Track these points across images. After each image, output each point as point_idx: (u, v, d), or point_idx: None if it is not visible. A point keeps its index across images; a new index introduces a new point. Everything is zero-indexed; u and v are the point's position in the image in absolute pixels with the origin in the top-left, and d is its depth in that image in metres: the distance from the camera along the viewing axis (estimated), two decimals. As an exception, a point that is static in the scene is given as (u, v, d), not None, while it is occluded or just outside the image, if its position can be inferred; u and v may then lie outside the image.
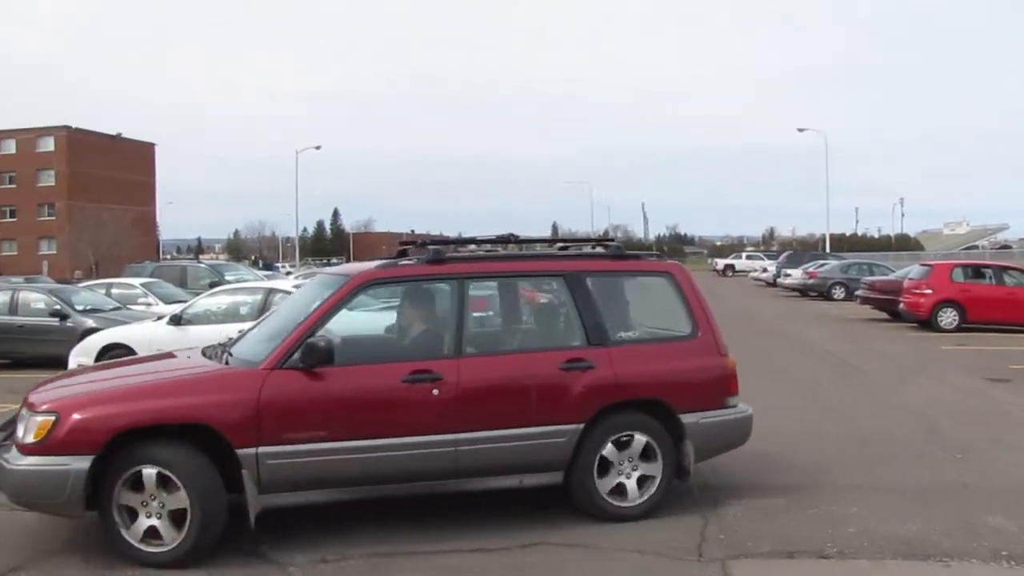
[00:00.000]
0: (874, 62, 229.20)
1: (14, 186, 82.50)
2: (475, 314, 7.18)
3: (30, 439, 5.35)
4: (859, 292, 25.59)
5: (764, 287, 45.22)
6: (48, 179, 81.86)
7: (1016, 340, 18.11)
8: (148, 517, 5.38)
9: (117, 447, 5.32)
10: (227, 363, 5.97)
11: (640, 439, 6.19)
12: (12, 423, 5.78)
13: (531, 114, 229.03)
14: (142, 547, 5.37)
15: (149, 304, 19.70)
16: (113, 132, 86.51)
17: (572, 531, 5.93)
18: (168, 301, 19.56)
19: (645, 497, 6.20)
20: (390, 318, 6.87)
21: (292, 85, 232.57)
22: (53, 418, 5.35)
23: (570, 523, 6.06)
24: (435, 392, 5.81)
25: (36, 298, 16.72)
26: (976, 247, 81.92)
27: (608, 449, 6.12)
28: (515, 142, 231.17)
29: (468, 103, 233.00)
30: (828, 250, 56.08)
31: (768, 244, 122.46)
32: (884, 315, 23.64)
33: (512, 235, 7.21)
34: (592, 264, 6.76)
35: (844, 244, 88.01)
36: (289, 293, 11.38)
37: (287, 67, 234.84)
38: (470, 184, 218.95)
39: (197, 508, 5.32)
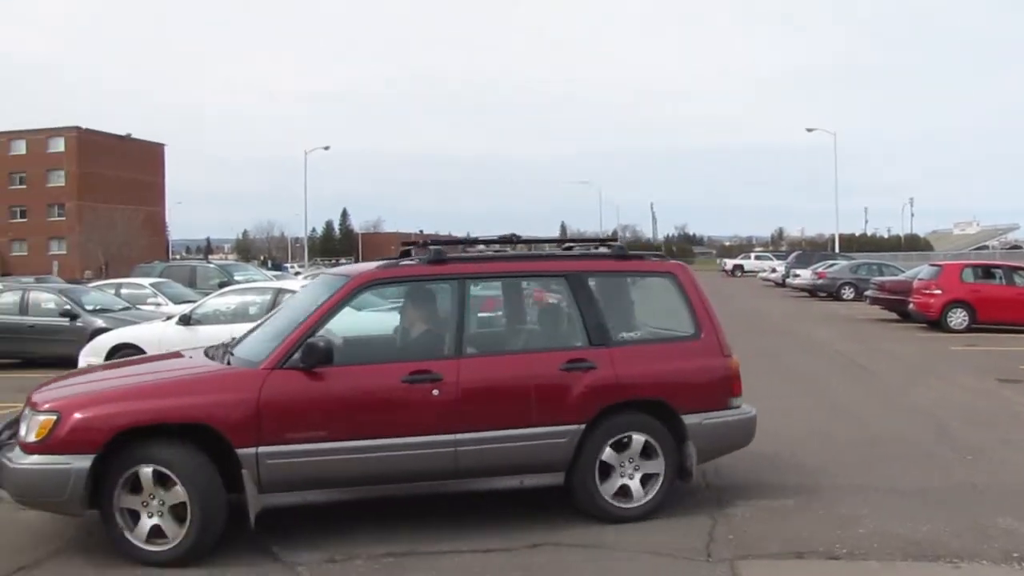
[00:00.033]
0: (878, 62, 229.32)
1: (24, 186, 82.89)
2: (482, 314, 7.19)
3: (32, 438, 5.39)
4: (868, 292, 25.52)
5: (773, 287, 45.14)
6: (58, 179, 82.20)
7: (1027, 341, 18.03)
8: (150, 517, 5.41)
9: (118, 446, 5.35)
10: (228, 363, 5.99)
11: (641, 440, 6.16)
12: (16, 422, 5.81)
13: (531, 114, 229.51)
14: (143, 546, 5.39)
15: (158, 304, 19.76)
16: (122, 132, 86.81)
17: (579, 531, 5.92)
18: (177, 301, 19.63)
19: (647, 498, 6.17)
20: (391, 318, 6.88)
21: (300, 85, 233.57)
22: (55, 417, 5.38)
23: (577, 523, 6.05)
24: (435, 392, 5.81)
25: (46, 298, 16.80)
26: (986, 247, 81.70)
27: (609, 450, 6.10)
28: (517, 142, 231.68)
29: (468, 103, 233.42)
30: (837, 250, 55.96)
31: (777, 244, 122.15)
32: (894, 315, 23.57)
33: (514, 235, 7.20)
34: (594, 264, 6.74)
35: (853, 244, 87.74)
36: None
37: (295, 67, 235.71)
38: (479, 185, 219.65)
39: (197, 507, 5.35)
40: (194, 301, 16.68)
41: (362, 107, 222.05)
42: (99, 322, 15.44)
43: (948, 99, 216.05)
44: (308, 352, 5.65)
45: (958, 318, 20.26)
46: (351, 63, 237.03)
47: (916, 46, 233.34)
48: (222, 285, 21.37)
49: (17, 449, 5.50)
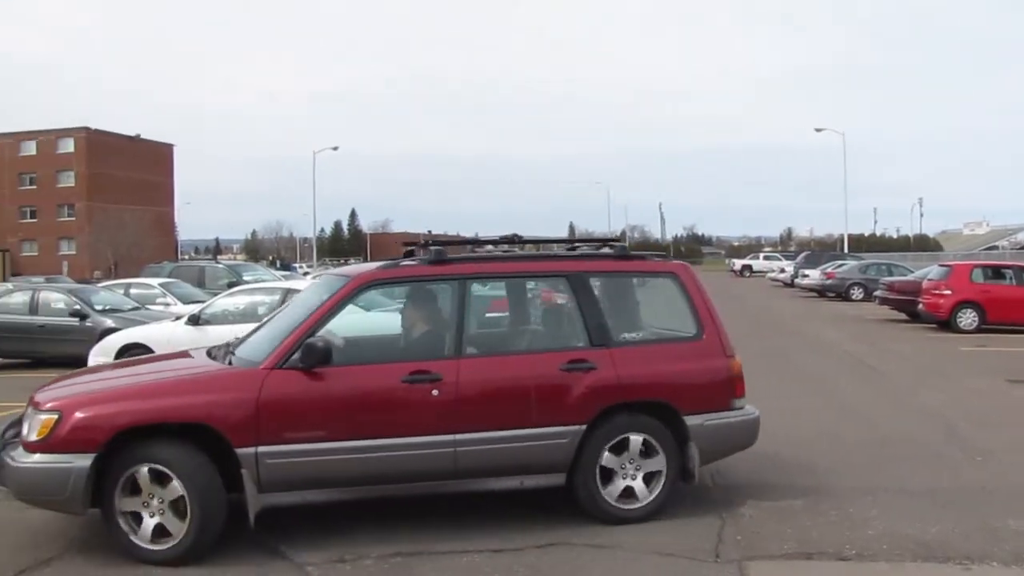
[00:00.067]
0: (881, 61, 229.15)
1: (34, 187, 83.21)
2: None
3: (34, 437, 5.44)
4: (878, 293, 25.46)
5: (782, 288, 45.07)
6: (68, 180, 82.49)
7: (1037, 341, 17.97)
8: (151, 516, 5.44)
9: (119, 446, 5.39)
10: (230, 363, 6.01)
11: (643, 441, 6.14)
12: (20, 421, 5.85)
13: (531, 113, 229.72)
14: (145, 545, 5.43)
15: (167, 304, 19.83)
16: (132, 133, 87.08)
17: (588, 532, 5.91)
18: (186, 301, 19.69)
19: (648, 499, 6.15)
20: (392, 318, 6.88)
21: (307, 85, 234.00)
22: (56, 416, 5.42)
23: (585, 524, 6.05)
24: (434, 392, 5.81)
25: (56, 298, 16.88)
26: (996, 247, 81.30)
27: (610, 451, 6.09)
28: (520, 142, 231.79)
29: (469, 103, 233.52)
30: (846, 250, 55.83)
31: (786, 244, 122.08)
32: (903, 316, 23.50)
33: (515, 235, 7.21)
34: (596, 264, 6.73)
35: (862, 244, 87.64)
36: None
37: (301, 68, 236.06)
38: (486, 185, 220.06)
39: (196, 506, 5.38)
40: (203, 301, 16.72)
41: (368, 107, 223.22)
42: (108, 322, 15.50)
43: (956, 99, 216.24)
44: (307, 352, 5.67)
45: (968, 319, 20.21)
46: (354, 63, 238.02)
47: (921, 46, 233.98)
48: (231, 285, 21.43)
49: (20, 448, 5.54)
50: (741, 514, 6.29)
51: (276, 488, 5.60)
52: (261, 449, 5.51)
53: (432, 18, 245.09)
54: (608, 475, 6.10)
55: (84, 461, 5.31)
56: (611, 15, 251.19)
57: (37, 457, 5.40)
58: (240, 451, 5.48)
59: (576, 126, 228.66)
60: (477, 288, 6.61)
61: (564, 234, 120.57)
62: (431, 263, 6.28)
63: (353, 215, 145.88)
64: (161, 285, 21.93)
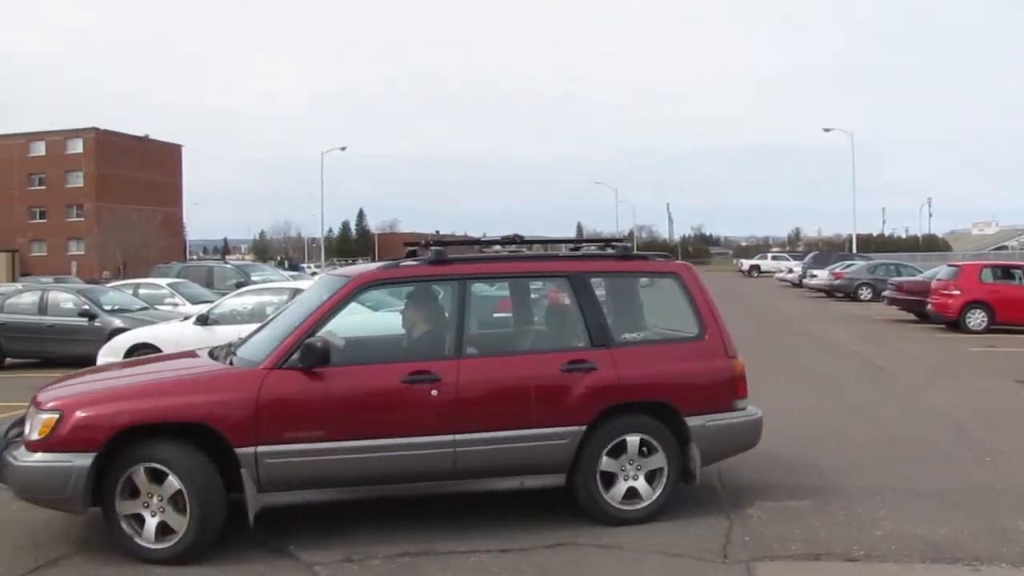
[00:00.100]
0: (888, 61, 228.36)
1: (44, 187, 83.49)
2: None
3: (35, 436, 5.48)
4: (886, 293, 25.38)
5: (790, 288, 44.99)
6: (77, 180, 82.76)
7: (1046, 342, 17.89)
8: (153, 516, 5.48)
9: (120, 445, 5.42)
10: (231, 363, 6.03)
11: (644, 441, 6.12)
12: (23, 421, 5.88)
13: (533, 113, 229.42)
14: (144, 544, 5.46)
15: (176, 304, 19.88)
16: (140, 134, 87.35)
17: (595, 532, 5.91)
18: (195, 301, 19.74)
19: (649, 501, 6.12)
20: (393, 318, 6.89)
21: (314, 86, 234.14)
22: (57, 416, 5.46)
23: (592, 524, 6.04)
24: (434, 393, 5.81)
25: (65, 298, 16.96)
26: (1005, 247, 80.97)
27: (611, 451, 6.07)
28: (528, 142, 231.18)
29: (470, 103, 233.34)
30: (855, 251, 55.68)
31: (794, 245, 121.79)
32: (911, 316, 23.44)
33: (517, 235, 7.21)
34: (597, 265, 6.71)
35: (871, 245, 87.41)
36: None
37: (309, 68, 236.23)
38: (495, 186, 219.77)
39: (196, 505, 5.40)
40: (211, 301, 16.76)
41: (373, 107, 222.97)
42: (117, 322, 15.56)
43: (964, 99, 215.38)
44: (306, 352, 5.68)
45: (977, 319, 20.14)
46: (357, 63, 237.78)
47: (924, 45, 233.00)
48: (239, 285, 21.45)
49: (22, 447, 5.58)
50: (749, 514, 6.27)
51: (275, 488, 5.61)
52: (260, 449, 5.53)
53: (433, 17, 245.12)
54: (609, 476, 6.08)
55: (84, 460, 5.34)
56: (611, 15, 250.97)
57: (38, 456, 5.44)
58: (239, 451, 5.50)
59: (579, 126, 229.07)
60: (478, 288, 6.60)
61: (572, 234, 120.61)
62: (431, 263, 6.28)
63: (361, 215, 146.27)
64: (170, 285, 22.00)
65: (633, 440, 6.09)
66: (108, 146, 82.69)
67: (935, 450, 8.24)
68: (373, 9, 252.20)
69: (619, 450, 6.09)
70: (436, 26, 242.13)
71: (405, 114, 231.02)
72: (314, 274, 37.40)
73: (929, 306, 21.36)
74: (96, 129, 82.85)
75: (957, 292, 20.47)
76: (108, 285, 23.39)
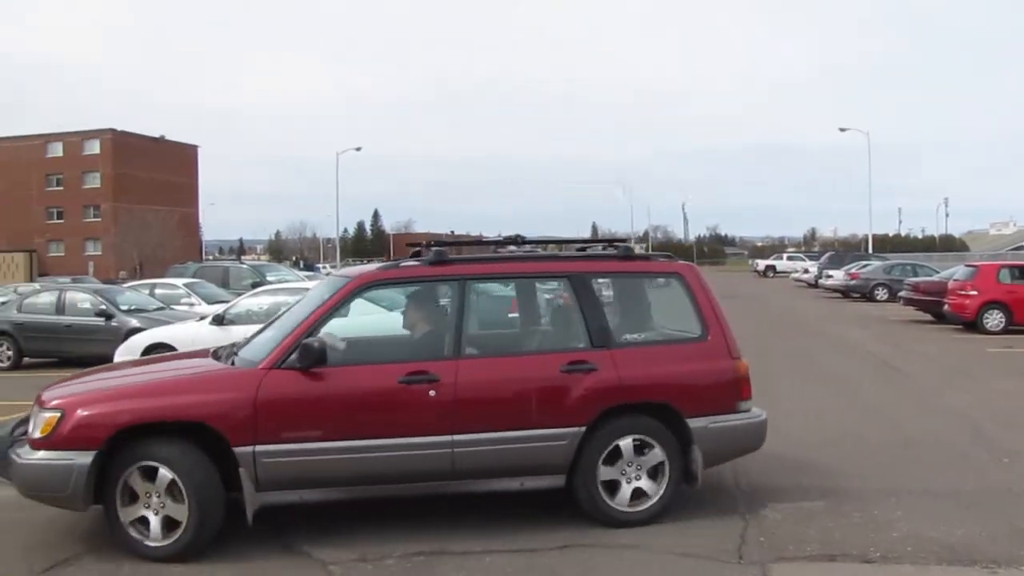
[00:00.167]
0: (909, 62, 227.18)
1: (61, 188, 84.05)
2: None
3: (38, 434, 5.56)
4: (902, 293, 25.25)
5: (805, 288, 44.80)
6: (94, 181, 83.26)
7: (1065, 342, 17.76)
8: (156, 514, 5.53)
9: (121, 444, 5.48)
10: (232, 363, 6.07)
11: (645, 443, 6.09)
12: (28, 420, 5.95)
13: (537, 113, 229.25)
14: (145, 542, 5.51)
15: (192, 304, 19.97)
16: (156, 134, 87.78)
17: (611, 533, 5.90)
18: (211, 301, 19.82)
19: (650, 502, 6.09)
20: (394, 319, 6.90)
21: (334, 86, 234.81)
22: (58, 415, 5.54)
23: (607, 524, 6.03)
24: (432, 393, 5.81)
25: (82, 298, 17.07)
26: (1023, 248, 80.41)
27: (612, 453, 6.03)
28: (555, 142, 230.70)
29: (489, 104, 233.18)
30: (871, 251, 55.41)
31: (810, 245, 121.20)
32: (928, 317, 23.30)
33: (519, 236, 7.21)
34: (598, 265, 6.69)
35: (887, 245, 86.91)
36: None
37: (328, 68, 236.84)
38: (510, 186, 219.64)
39: (195, 504, 5.45)
40: (227, 301, 16.83)
41: (390, 109, 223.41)
42: (134, 322, 15.65)
43: (984, 98, 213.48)
44: (304, 353, 5.71)
45: (994, 319, 20.00)
46: (380, 63, 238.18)
47: (943, 44, 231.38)
48: (255, 285, 21.54)
49: (26, 445, 5.66)
50: (764, 515, 6.25)
51: (274, 487, 5.64)
52: (259, 448, 5.57)
53: (441, 18, 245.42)
54: (609, 474, 6.05)
55: (85, 458, 5.41)
56: (611, 15, 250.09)
57: (41, 454, 5.51)
58: (238, 450, 5.54)
59: (591, 126, 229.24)
60: (479, 289, 6.59)
61: (587, 234, 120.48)
62: (431, 264, 6.29)
63: (376, 216, 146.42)
64: (186, 285, 22.10)
65: (637, 441, 6.07)
66: (124, 147, 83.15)
67: (952, 451, 8.19)
68: (392, 9, 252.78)
69: (622, 450, 6.06)
70: (439, 27, 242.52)
71: (420, 115, 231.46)
72: (328, 274, 37.51)
73: (946, 307, 21.23)
74: (113, 130, 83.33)
75: (974, 292, 20.34)
76: (125, 285, 23.52)
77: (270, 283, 21.64)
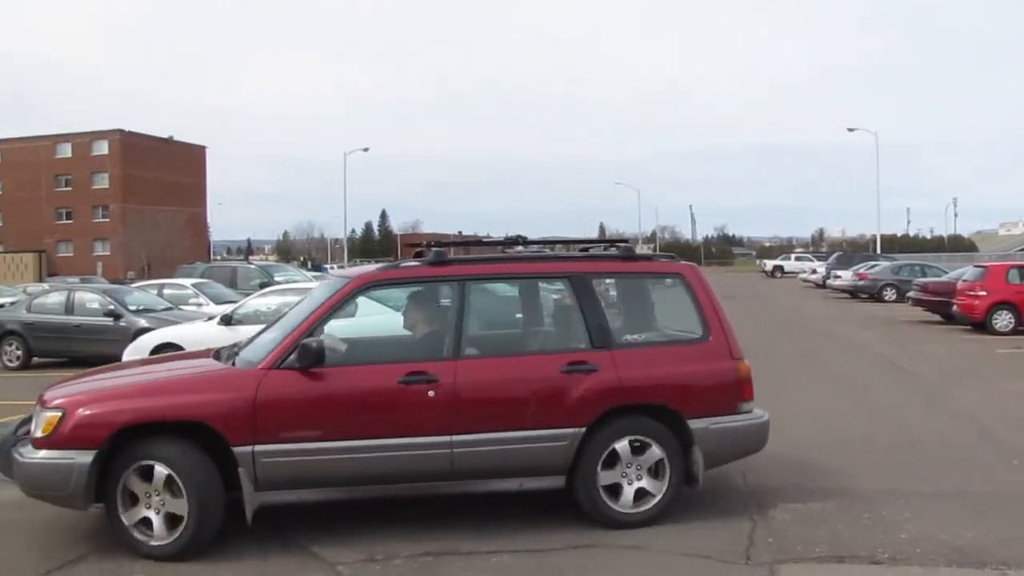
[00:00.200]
0: (916, 61, 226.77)
1: (70, 189, 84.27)
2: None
3: (39, 433, 5.61)
4: (911, 294, 25.16)
5: (813, 288, 44.74)
6: (102, 182, 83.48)
7: (1074, 343, 17.68)
8: (157, 513, 5.56)
9: (122, 443, 5.52)
10: (233, 364, 6.09)
11: (646, 444, 6.06)
12: (31, 419, 5.99)
13: (547, 113, 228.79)
14: (142, 538, 5.55)
15: (200, 304, 20.00)
16: (165, 135, 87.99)
17: (617, 533, 5.90)
18: (219, 301, 19.86)
19: (651, 503, 6.07)
20: (394, 319, 6.92)
21: (338, 87, 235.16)
22: (60, 414, 5.58)
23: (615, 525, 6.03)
24: (431, 394, 5.82)
25: (91, 298, 17.14)
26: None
27: (612, 454, 6.02)
28: (563, 143, 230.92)
29: (496, 104, 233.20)
30: (879, 251, 55.25)
31: (817, 245, 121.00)
32: (937, 317, 23.23)
33: (520, 236, 7.22)
34: (599, 266, 6.68)
35: (895, 245, 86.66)
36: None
37: (333, 68, 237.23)
38: (518, 186, 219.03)
39: (194, 502, 5.48)
40: (235, 301, 16.86)
41: (395, 109, 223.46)
42: (142, 322, 15.69)
43: (993, 97, 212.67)
44: (302, 353, 5.73)
45: (1003, 320, 19.93)
46: (384, 64, 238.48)
47: (955, 44, 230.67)
48: (263, 286, 21.56)
49: (29, 444, 5.70)
50: (772, 516, 6.24)
51: (273, 486, 5.67)
52: (258, 448, 5.59)
53: (461, 18, 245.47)
54: (609, 475, 6.04)
55: (86, 457, 5.45)
56: (614, 15, 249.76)
57: (42, 453, 5.56)
58: (237, 450, 5.57)
59: (602, 126, 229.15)
60: (479, 289, 6.58)
61: (595, 235, 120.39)
62: (431, 264, 6.30)
63: (384, 216, 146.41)
64: (194, 285, 22.14)
65: (638, 443, 6.05)
66: (133, 148, 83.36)
67: (960, 453, 8.16)
68: (392, 9, 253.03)
69: (622, 451, 6.03)
70: (439, 27, 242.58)
71: (421, 115, 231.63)
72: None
73: (955, 307, 21.16)
74: (121, 131, 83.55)
75: (983, 293, 20.27)
76: (133, 285, 23.59)
77: (278, 283, 21.68)
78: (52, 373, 15.23)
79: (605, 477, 6.02)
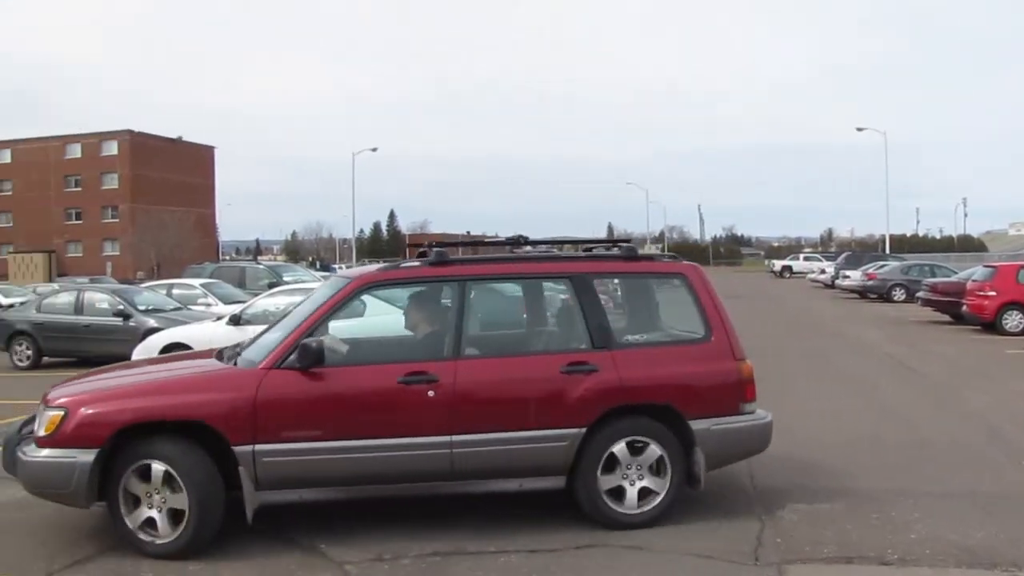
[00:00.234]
0: (924, 60, 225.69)
1: (79, 189, 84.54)
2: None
3: (42, 432, 5.65)
4: (920, 294, 25.08)
5: (822, 289, 44.62)
6: (112, 182, 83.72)
7: (1085, 344, 17.61)
8: (159, 511, 5.59)
9: (124, 442, 5.55)
10: (235, 364, 6.11)
11: (647, 445, 6.04)
12: (34, 418, 6.02)
13: (565, 114, 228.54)
14: (148, 539, 5.58)
15: (209, 304, 20.05)
16: (174, 136, 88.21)
17: (626, 533, 5.89)
18: (227, 301, 19.89)
19: (652, 505, 6.04)
20: (395, 319, 6.93)
21: (338, 86, 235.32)
22: (62, 413, 5.62)
23: (623, 525, 6.01)
24: (430, 394, 5.82)
25: (100, 298, 17.19)
26: (1043, 248, 79.77)
27: (613, 454, 6.00)
28: (571, 142, 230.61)
29: (515, 104, 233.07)
30: (888, 251, 55.12)
31: (826, 245, 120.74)
32: (946, 318, 23.15)
33: (521, 236, 7.22)
34: (600, 266, 6.67)
35: (905, 245, 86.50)
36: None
37: (334, 68, 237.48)
38: (526, 187, 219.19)
39: (195, 501, 5.51)
40: (244, 301, 16.88)
41: (405, 109, 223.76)
42: (151, 322, 15.75)
43: (1002, 97, 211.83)
44: (302, 353, 5.74)
45: (1014, 320, 19.84)
46: (392, 64, 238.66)
47: (965, 43, 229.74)
48: (271, 286, 21.63)
49: (33, 443, 5.73)
50: (780, 517, 6.23)
51: (273, 486, 5.68)
52: (258, 448, 5.61)
53: (472, 19, 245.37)
54: (610, 476, 6.02)
55: (88, 456, 5.49)
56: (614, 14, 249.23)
57: (45, 452, 5.60)
58: (237, 449, 5.59)
59: (609, 126, 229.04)
60: (479, 289, 6.58)
61: (603, 235, 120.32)
62: (431, 264, 6.30)
63: (392, 216, 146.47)
64: (203, 285, 22.19)
65: (639, 443, 6.03)
66: (142, 148, 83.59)
67: (970, 453, 8.13)
68: (392, 9, 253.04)
69: (623, 452, 6.02)
70: (439, 27, 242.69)
71: (439, 116, 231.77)
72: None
73: (964, 307, 21.08)
74: (131, 131, 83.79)
75: (993, 293, 20.18)
76: (142, 285, 23.67)
77: (286, 283, 21.74)
78: (62, 373, 15.28)
79: (606, 480, 6.00)
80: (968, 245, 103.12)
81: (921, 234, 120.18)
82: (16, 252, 77.71)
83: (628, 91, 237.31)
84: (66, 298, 17.72)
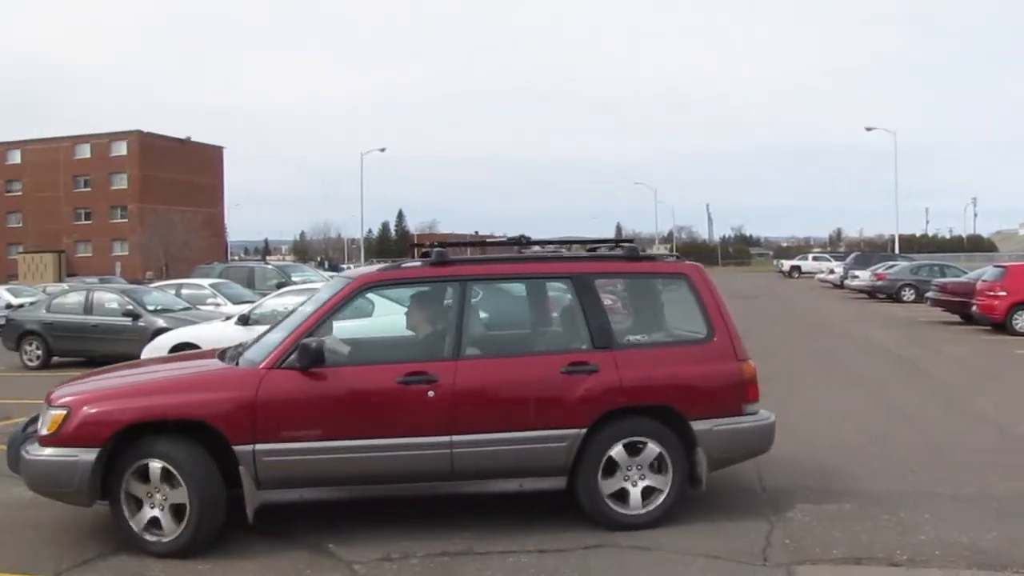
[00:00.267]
0: (942, 60, 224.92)
1: (89, 189, 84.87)
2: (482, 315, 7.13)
3: (45, 431, 5.69)
4: (930, 294, 25.01)
5: (831, 289, 44.52)
6: (121, 182, 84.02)
7: (1096, 344, 17.52)
8: (159, 509, 5.61)
9: (125, 441, 5.58)
10: (236, 364, 6.12)
11: (648, 446, 6.02)
12: (38, 418, 6.05)
13: (566, 115, 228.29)
14: (153, 539, 5.60)
15: (218, 304, 20.11)
16: (182, 136, 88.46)
17: (634, 534, 5.88)
18: (236, 301, 19.95)
19: (653, 505, 6.02)
20: (396, 319, 6.93)
21: (352, 87, 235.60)
22: (65, 412, 5.65)
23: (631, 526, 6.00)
24: (430, 394, 5.82)
25: (109, 298, 17.25)
26: (1053, 248, 79.44)
27: (614, 455, 5.98)
28: (579, 142, 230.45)
29: (522, 103, 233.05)
30: (897, 251, 54.97)
31: (835, 245, 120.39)
32: (956, 318, 23.06)
33: (523, 236, 7.23)
34: (602, 266, 6.64)
35: (914, 245, 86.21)
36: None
37: (346, 70, 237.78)
38: (533, 187, 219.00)
39: (195, 500, 5.53)
40: (252, 301, 16.95)
41: (414, 109, 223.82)
42: (160, 322, 15.79)
43: (1013, 96, 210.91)
44: (302, 353, 5.76)
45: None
46: (397, 64, 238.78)
47: (974, 43, 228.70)
48: (280, 286, 21.66)
49: (36, 442, 5.77)
50: (790, 518, 6.21)
51: (273, 485, 5.70)
52: (258, 447, 5.63)
53: (483, 19, 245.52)
54: (611, 476, 6.01)
55: (90, 455, 5.52)
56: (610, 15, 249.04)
57: (48, 451, 5.64)
58: (237, 449, 5.60)
59: (614, 126, 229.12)
60: (479, 289, 6.58)
61: (612, 235, 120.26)
62: (432, 264, 6.30)
63: (400, 216, 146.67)
64: (211, 285, 22.26)
65: (640, 443, 6.02)
66: (151, 148, 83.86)
67: (980, 455, 8.09)
68: (392, 9, 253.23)
69: (624, 452, 6.00)
70: (439, 27, 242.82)
71: (447, 115, 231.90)
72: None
73: (974, 308, 21.00)
74: (140, 132, 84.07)
75: (1003, 293, 20.11)
76: (151, 285, 23.74)
77: (295, 283, 21.76)
78: (72, 373, 15.33)
79: (608, 481, 5.99)
80: (978, 245, 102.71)
81: (931, 234, 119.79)
82: (26, 252, 78.00)
83: (628, 91, 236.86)
84: (75, 298, 17.79)
